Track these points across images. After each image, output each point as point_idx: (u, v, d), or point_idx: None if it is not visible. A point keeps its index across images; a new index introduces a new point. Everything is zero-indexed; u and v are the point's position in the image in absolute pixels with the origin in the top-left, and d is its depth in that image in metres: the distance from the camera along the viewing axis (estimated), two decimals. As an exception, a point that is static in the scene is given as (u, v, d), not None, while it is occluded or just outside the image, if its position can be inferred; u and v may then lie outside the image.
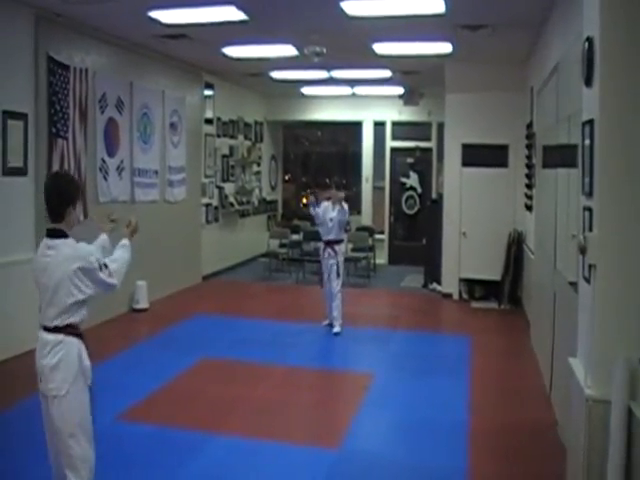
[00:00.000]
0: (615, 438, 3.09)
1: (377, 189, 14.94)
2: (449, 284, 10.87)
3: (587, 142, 3.65)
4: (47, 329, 3.54)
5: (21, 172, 7.22)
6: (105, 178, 8.73)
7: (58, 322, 3.51)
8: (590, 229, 3.54)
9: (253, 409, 5.85)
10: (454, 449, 4.98)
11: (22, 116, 7.20)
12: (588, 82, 3.68)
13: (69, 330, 3.54)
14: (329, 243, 8.55)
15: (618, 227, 3.34)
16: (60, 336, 3.52)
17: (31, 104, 7.35)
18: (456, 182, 10.67)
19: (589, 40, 3.62)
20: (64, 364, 3.52)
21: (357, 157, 15.31)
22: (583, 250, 3.51)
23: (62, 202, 3.52)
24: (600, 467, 3.21)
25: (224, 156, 12.92)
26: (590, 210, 3.57)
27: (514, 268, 10.06)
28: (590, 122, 3.57)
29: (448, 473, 4.61)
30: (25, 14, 7.22)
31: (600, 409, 3.26)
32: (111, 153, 8.88)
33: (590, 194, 3.58)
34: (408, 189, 14.65)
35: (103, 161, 8.69)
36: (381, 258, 14.31)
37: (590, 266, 3.51)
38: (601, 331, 3.39)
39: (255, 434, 5.24)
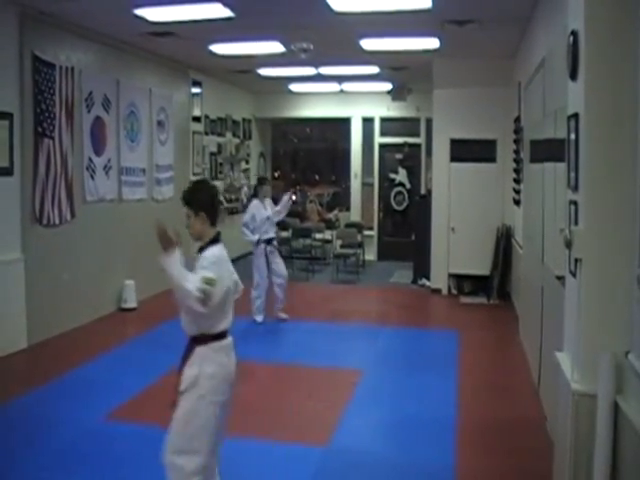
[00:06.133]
0: (601, 432, 3.08)
1: (366, 185, 14.93)
2: (438, 279, 10.88)
3: (572, 136, 3.65)
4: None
5: (7, 172, 7.15)
6: (92, 177, 8.68)
7: None
8: (576, 223, 3.54)
9: (241, 407, 5.78)
10: (442, 445, 4.98)
11: (7, 115, 7.13)
12: (573, 76, 3.68)
13: None
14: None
15: (604, 221, 3.34)
16: None
17: (16, 103, 7.28)
18: (444, 177, 10.68)
19: (574, 34, 3.62)
20: None
21: (346, 153, 15.28)
22: (569, 244, 3.51)
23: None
24: (587, 461, 3.21)
25: (212, 154, 12.88)
26: (576, 204, 3.57)
27: (503, 263, 10.07)
28: (575, 116, 3.58)
29: (436, 469, 4.61)
30: (9, 12, 7.14)
31: (587, 403, 3.26)
32: (98, 152, 8.83)
33: (576, 188, 3.59)
34: (397, 185, 14.65)
35: (90, 160, 8.63)
36: (370, 254, 14.30)
37: (576, 260, 3.52)
38: (587, 325, 3.39)
39: (242, 432, 5.21)
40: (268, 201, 8.87)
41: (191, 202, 3.62)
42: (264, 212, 8.71)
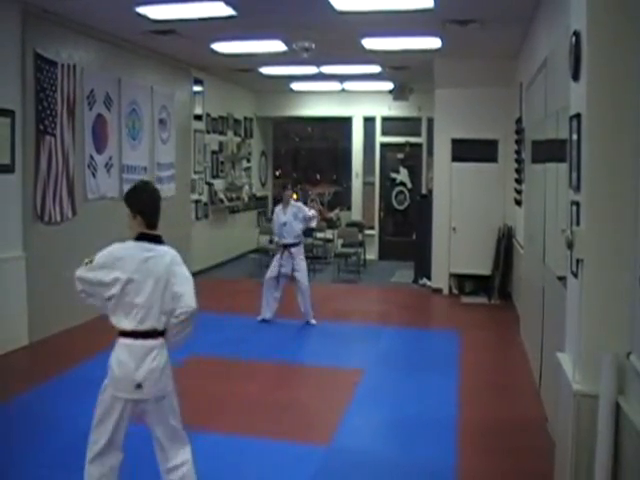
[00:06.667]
0: (603, 433, 3.08)
1: (367, 185, 14.94)
2: (439, 279, 10.87)
3: (575, 136, 3.65)
4: (147, 334, 3.54)
5: (8, 169, 7.16)
6: (93, 175, 8.68)
7: (158, 325, 3.55)
8: (578, 223, 3.54)
9: (242, 406, 5.83)
10: (443, 445, 4.98)
11: (9, 113, 7.13)
12: (575, 76, 3.67)
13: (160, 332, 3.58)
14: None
15: (605, 221, 3.34)
16: (160, 339, 3.57)
17: (18, 101, 7.29)
18: (446, 177, 10.67)
19: (576, 34, 3.61)
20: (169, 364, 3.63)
21: (347, 153, 15.28)
22: (570, 244, 3.51)
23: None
24: (588, 461, 3.21)
25: (213, 152, 12.88)
26: (577, 204, 3.57)
27: (504, 263, 10.07)
28: (577, 116, 3.57)
29: (437, 469, 4.61)
30: (12, 10, 7.14)
31: (588, 404, 3.26)
32: (99, 150, 8.82)
33: (578, 188, 3.58)
34: (398, 184, 14.65)
35: (91, 158, 8.63)
36: (371, 254, 14.30)
37: (577, 260, 3.51)
38: (589, 326, 3.39)
39: (244, 431, 5.22)
40: (295, 206, 8.89)
41: (130, 204, 3.59)
42: (282, 217, 8.82)
